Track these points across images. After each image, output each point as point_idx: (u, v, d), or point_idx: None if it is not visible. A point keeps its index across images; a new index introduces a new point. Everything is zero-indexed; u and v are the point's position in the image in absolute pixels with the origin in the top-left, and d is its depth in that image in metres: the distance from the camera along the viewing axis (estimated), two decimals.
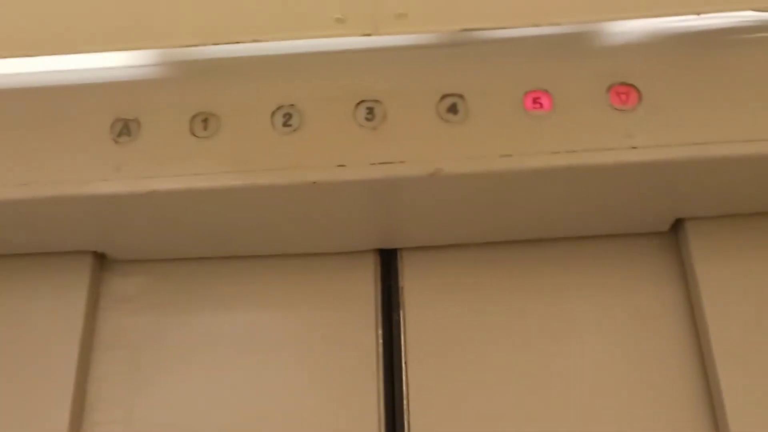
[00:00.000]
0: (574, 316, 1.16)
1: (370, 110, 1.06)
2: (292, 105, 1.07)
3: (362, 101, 1.06)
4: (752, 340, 1.08)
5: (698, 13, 1.03)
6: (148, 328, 1.22)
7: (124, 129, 1.08)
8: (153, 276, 1.25)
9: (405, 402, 1.13)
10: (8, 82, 1.12)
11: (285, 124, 1.06)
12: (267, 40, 1.05)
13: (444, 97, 1.06)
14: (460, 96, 1.05)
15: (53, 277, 1.22)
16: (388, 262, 1.24)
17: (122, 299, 1.25)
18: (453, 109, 1.05)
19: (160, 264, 1.25)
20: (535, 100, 1.05)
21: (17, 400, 1.15)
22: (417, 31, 1.05)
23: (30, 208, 1.07)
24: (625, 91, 1.04)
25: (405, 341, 1.17)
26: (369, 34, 1.02)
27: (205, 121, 1.07)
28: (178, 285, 1.25)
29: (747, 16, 1.05)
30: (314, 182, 1.03)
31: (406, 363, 1.16)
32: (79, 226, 1.15)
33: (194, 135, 1.06)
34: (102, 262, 1.25)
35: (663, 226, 1.20)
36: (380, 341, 1.17)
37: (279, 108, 1.07)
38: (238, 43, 1.05)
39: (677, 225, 1.18)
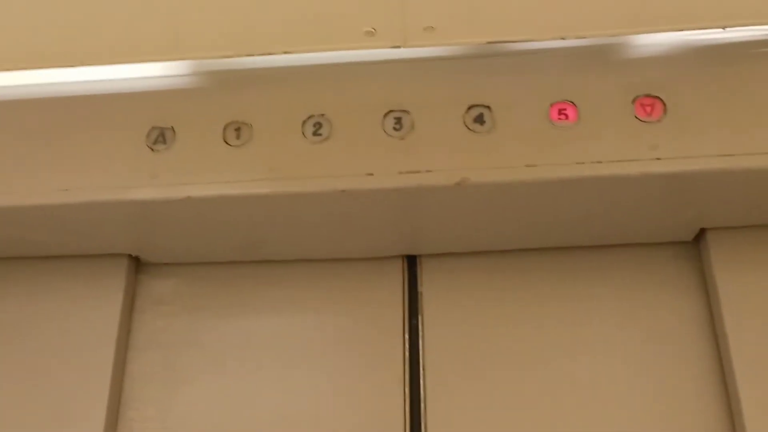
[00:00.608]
0: (593, 324, 1.18)
1: (398, 120, 1.09)
2: (323, 115, 1.10)
3: (390, 111, 1.09)
4: None
5: (724, 27, 1.04)
6: (182, 330, 1.26)
7: (160, 137, 1.12)
8: (186, 279, 1.29)
9: (422, 405, 1.16)
10: (49, 91, 1.17)
11: (315, 134, 1.09)
12: (298, 52, 1.09)
13: (471, 107, 1.08)
14: (487, 107, 1.08)
15: (91, 278, 1.26)
16: (412, 268, 1.26)
17: (156, 301, 1.29)
18: (479, 119, 1.07)
19: (194, 267, 1.29)
20: (561, 112, 1.06)
21: (56, 396, 1.19)
22: (445, 43, 1.07)
23: (69, 212, 1.12)
24: (650, 103, 1.06)
25: (423, 346, 1.20)
26: (398, 47, 1.06)
27: (238, 129, 1.11)
28: (210, 288, 1.28)
29: None
30: (343, 190, 1.06)
31: (423, 367, 1.18)
32: (116, 230, 1.19)
33: (227, 143, 1.10)
34: (137, 265, 1.30)
35: (687, 236, 1.20)
36: (407, 345, 1.20)
37: (309, 117, 1.10)
38: (270, 54, 1.09)
39: (701, 235, 1.19)
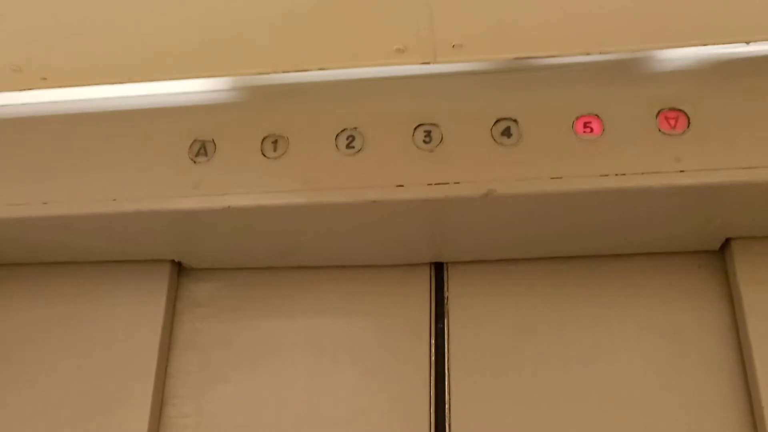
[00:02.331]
0: (618, 331, 1.20)
1: (428, 133, 1.13)
2: (355, 128, 1.15)
3: (420, 125, 1.13)
4: None
5: (747, 42, 1.06)
6: (219, 331, 1.32)
7: (202, 149, 1.17)
8: (225, 283, 1.35)
9: (447, 407, 1.20)
10: (98, 106, 1.24)
11: (348, 146, 1.14)
12: (333, 68, 1.14)
13: (498, 121, 1.12)
14: (514, 120, 1.11)
15: (135, 282, 1.33)
16: (439, 274, 1.31)
17: (197, 304, 1.35)
18: (507, 132, 1.11)
19: (232, 272, 1.35)
20: (586, 125, 1.09)
21: (103, 394, 1.26)
22: (473, 59, 1.11)
23: (117, 221, 1.18)
24: (674, 117, 1.08)
25: (449, 350, 1.24)
26: (428, 63, 1.09)
27: (275, 142, 1.16)
28: (247, 292, 1.34)
29: None
30: (374, 201, 1.10)
31: (449, 370, 1.22)
32: (160, 237, 1.26)
33: (265, 155, 1.15)
34: (179, 269, 1.36)
35: (713, 245, 1.22)
36: (433, 349, 1.24)
37: (343, 131, 1.15)
38: (306, 70, 1.14)
39: (726, 244, 1.21)
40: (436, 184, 1.09)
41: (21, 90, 1.18)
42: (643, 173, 1.06)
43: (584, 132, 1.09)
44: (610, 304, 1.23)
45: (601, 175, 1.06)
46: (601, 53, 1.09)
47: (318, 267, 1.33)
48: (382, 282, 1.30)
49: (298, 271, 1.33)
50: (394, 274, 1.30)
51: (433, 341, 1.25)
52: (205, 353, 1.31)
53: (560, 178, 1.07)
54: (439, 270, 1.31)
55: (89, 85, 1.19)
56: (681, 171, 1.05)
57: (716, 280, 1.22)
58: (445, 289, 1.29)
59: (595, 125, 1.09)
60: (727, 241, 1.20)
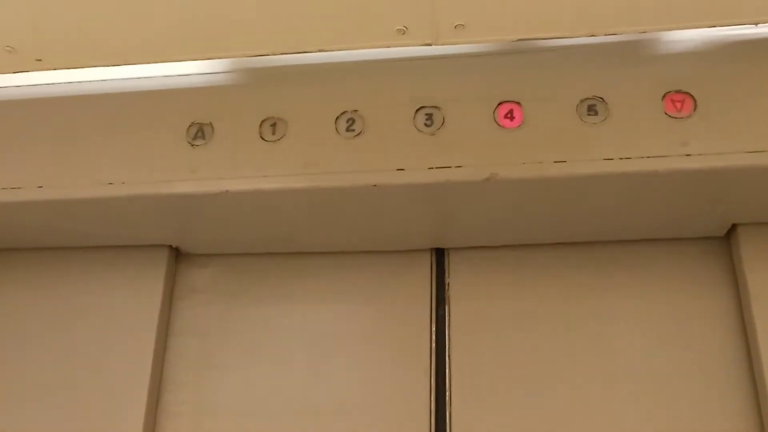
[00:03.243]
0: (621, 317, 1.19)
1: (429, 116, 1.11)
2: (356, 111, 1.13)
3: (422, 107, 1.11)
4: None
5: (756, 23, 1.03)
6: (217, 317, 1.31)
7: (200, 133, 1.16)
8: (223, 269, 1.34)
9: (448, 393, 1.19)
10: (93, 88, 1.22)
11: (348, 129, 1.12)
12: (332, 50, 1.11)
13: (501, 103, 1.09)
14: (517, 103, 1.09)
15: (133, 268, 1.32)
16: (440, 260, 1.29)
17: (195, 290, 1.34)
18: (510, 115, 1.09)
19: (231, 258, 1.34)
20: (590, 108, 1.07)
21: (100, 380, 1.25)
22: (475, 41, 1.08)
23: (113, 205, 1.17)
24: (680, 99, 1.06)
25: (449, 336, 1.22)
26: (429, 44, 1.07)
27: (274, 125, 1.14)
28: (246, 278, 1.33)
29: None
30: (374, 185, 1.08)
31: (449, 356, 1.21)
32: (158, 222, 1.24)
33: (263, 139, 1.13)
34: (177, 255, 1.35)
35: (719, 231, 1.21)
36: (433, 335, 1.23)
37: (343, 113, 1.13)
38: (305, 52, 1.12)
39: (732, 230, 1.19)
40: (437, 167, 1.08)
41: (15, 72, 1.16)
42: (648, 157, 1.04)
43: (589, 115, 1.07)
44: (615, 290, 1.22)
45: (606, 159, 1.04)
46: (606, 35, 1.06)
47: (318, 253, 1.31)
48: (382, 268, 1.29)
49: (297, 257, 1.32)
50: (394, 260, 1.29)
51: (433, 328, 1.24)
52: (203, 339, 1.30)
53: (564, 161, 1.05)
54: (440, 256, 1.29)
55: (85, 66, 1.17)
56: (687, 155, 1.03)
57: (722, 266, 1.20)
58: (446, 275, 1.28)
59: (599, 108, 1.07)
60: (733, 227, 1.18)
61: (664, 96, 1.06)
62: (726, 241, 1.21)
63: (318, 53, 1.12)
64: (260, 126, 1.14)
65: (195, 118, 1.16)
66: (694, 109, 1.05)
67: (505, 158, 1.06)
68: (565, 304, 1.21)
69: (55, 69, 1.17)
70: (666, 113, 1.05)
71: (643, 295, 1.20)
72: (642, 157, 1.04)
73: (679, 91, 1.06)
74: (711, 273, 1.20)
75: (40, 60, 1.14)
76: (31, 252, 1.35)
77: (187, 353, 1.29)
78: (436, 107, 1.11)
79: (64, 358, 1.27)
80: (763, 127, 1.03)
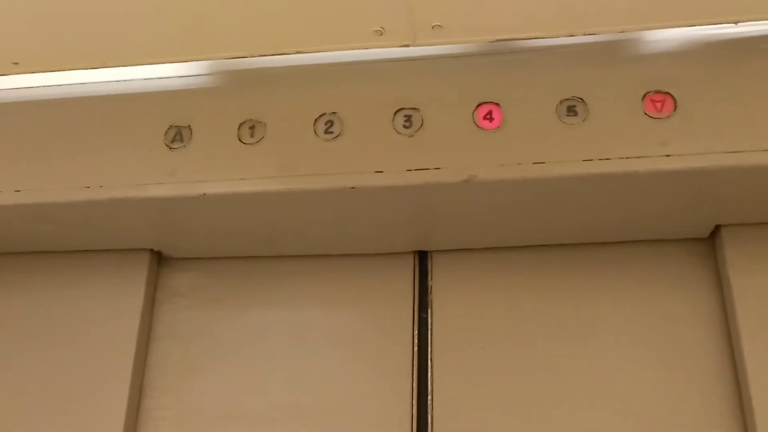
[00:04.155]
0: (605, 320, 1.18)
1: (408, 118, 1.10)
2: (334, 113, 1.12)
3: (401, 109, 1.10)
4: None
5: (736, 22, 1.02)
6: (199, 321, 1.30)
7: (178, 136, 1.15)
8: (205, 273, 1.33)
9: (430, 396, 1.17)
10: (70, 91, 1.21)
11: (327, 131, 1.11)
12: (310, 51, 1.11)
13: (480, 105, 1.09)
14: (496, 104, 1.08)
15: (114, 272, 1.31)
16: (423, 263, 1.28)
17: (176, 294, 1.33)
18: (489, 116, 1.08)
19: (212, 262, 1.33)
20: (570, 108, 1.06)
21: (80, 385, 1.24)
22: (453, 41, 1.08)
23: (91, 209, 1.16)
24: (660, 99, 1.05)
25: (432, 338, 1.21)
26: (407, 45, 1.07)
27: (252, 128, 1.13)
28: (228, 281, 1.32)
29: None
30: (353, 187, 1.08)
31: (431, 359, 1.20)
32: (137, 226, 1.23)
33: (242, 141, 1.13)
34: (159, 259, 1.34)
35: (703, 233, 1.19)
36: (416, 340, 1.22)
37: (321, 116, 1.12)
38: (283, 54, 1.11)
39: (716, 231, 1.18)
40: (416, 169, 1.07)
41: None
42: (628, 158, 1.03)
43: (568, 115, 1.06)
44: (598, 292, 1.20)
45: (585, 160, 1.03)
46: (585, 34, 1.06)
47: (299, 256, 1.30)
48: (364, 271, 1.28)
49: (279, 260, 1.31)
50: (377, 263, 1.28)
51: (416, 331, 1.23)
52: (185, 344, 1.29)
53: (543, 163, 1.04)
54: (423, 259, 1.28)
55: (63, 70, 1.17)
56: (667, 155, 1.02)
57: (706, 267, 1.19)
58: (429, 278, 1.27)
59: (579, 108, 1.06)
60: (717, 228, 1.17)
61: (644, 96, 1.05)
62: (710, 242, 1.20)
63: (296, 55, 1.12)
64: (239, 128, 1.13)
65: (173, 120, 1.16)
66: (675, 109, 1.04)
67: (484, 160, 1.05)
68: (548, 306, 1.20)
69: (32, 72, 1.17)
70: (646, 113, 1.04)
71: (626, 296, 1.19)
72: (622, 158, 1.03)
73: (659, 91, 1.05)
74: (695, 274, 1.19)
75: (17, 63, 1.14)
76: (10, 256, 1.34)
77: (168, 358, 1.28)
78: (414, 109, 1.10)
79: (44, 362, 1.26)
80: (744, 127, 1.02)
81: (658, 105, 1.05)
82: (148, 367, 1.27)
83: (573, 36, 1.06)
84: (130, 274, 1.30)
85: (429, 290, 1.25)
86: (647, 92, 1.05)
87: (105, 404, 1.22)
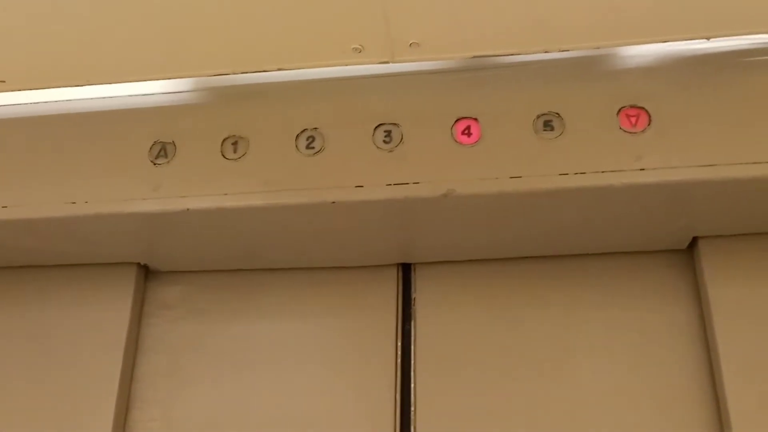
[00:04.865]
0: (585, 331, 1.19)
1: (388, 133, 1.12)
2: (316, 128, 1.14)
3: (380, 125, 1.12)
4: (762, 360, 1.09)
5: (708, 38, 1.04)
6: (186, 334, 1.31)
7: (162, 151, 1.17)
8: (192, 286, 1.34)
9: (413, 408, 1.19)
10: (56, 108, 1.23)
11: (308, 147, 1.13)
12: (291, 68, 1.13)
13: (458, 120, 1.10)
14: (474, 119, 1.10)
15: (101, 285, 1.32)
16: (407, 275, 1.29)
17: (163, 306, 1.34)
18: (467, 131, 1.10)
19: (199, 275, 1.34)
20: (546, 123, 1.08)
21: (67, 398, 1.25)
22: (431, 58, 1.10)
23: (77, 224, 1.17)
24: (635, 114, 1.07)
25: (415, 350, 1.23)
26: (386, 62, 1.08)
27: (235, 143, 1.15)
28: (214, 294, 1.33)
29: (755, 40, 1.06)
30: (333, 202, 1.09)
31: (415, 371, 1.21)
32: (123, 240, 1.25)
33: (225, 157, 1.14)
34: (146, 272, 1.35)
35: (681, 244, 1.21)
36: (399, 352, 1.23)
37: (303, 131, 1.14)
38: (265, 71, 1.13)
39: (694, 243, 1.19)
40: (395, 184, 1.08)
41: None
42: (603, 172, 1.04)
43: (544, 130, 1.08)
44: (578, 303, 1.22)
45: (561, 174, 1.05)
46: (560, 51, 1.08)
47: (284, 269, 1.31)
48: (349, 283, 1.29)
49: (264, 273, 1.32)
50: (361, 275, 1.29)
51: (399, 343, 1.24)
52: (173, 356, 1.30)
53: (520, 177, 1.06)
54: (406, 271, 1.30)
55: (48, 87, 1.19)
56: (641, 169, 1.04)
57: (684, 278, 1.21)
58: (413, 290, 1.28)
59: (555, 123, 1.08)
60: (695, 239, 1.19)
61: (618, 111, 1.07)
62: (688, 253, 1.21)
63: (278, 72, 1.14)
64: (222, 144, 1.15)
65: (157, 136, 1.17)
66: (649, 123, 1.06)
67: (462, 174, 1.07)
68: (529, 316, 1.22)
69: (18, 90, 1.18)
70: (621, 128, 1.06)
71: (607, 307, 1.20)
72: (597, 172, 1.04)
73: (633, 106, 1.07)
74: (673, 285, 1.20)
75: (4, 81, 1.15)
76: None
77: (156, 370, 1.30)
78: (394, 124, 1.12)
79: (31, 375, 1.27)
80: (717, 141, 1.03)
81: (633, 119, 1.07)
82: (136, 379, 1.28)
83: (548, 52, 1.08)
84: (117, 288, 1.32)
85: (412, 302, 1.27)
86: (622, 107, 1.07)
87: (92, 416, 1.23)
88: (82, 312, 1.31)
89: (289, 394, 1.24)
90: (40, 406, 1.25)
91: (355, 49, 1.07)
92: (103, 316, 1.30)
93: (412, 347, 1.23)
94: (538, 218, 1.13)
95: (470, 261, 1.26)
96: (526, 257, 1.24)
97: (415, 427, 1.17)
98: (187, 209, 1.13)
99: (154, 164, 1.16)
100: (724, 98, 1.05)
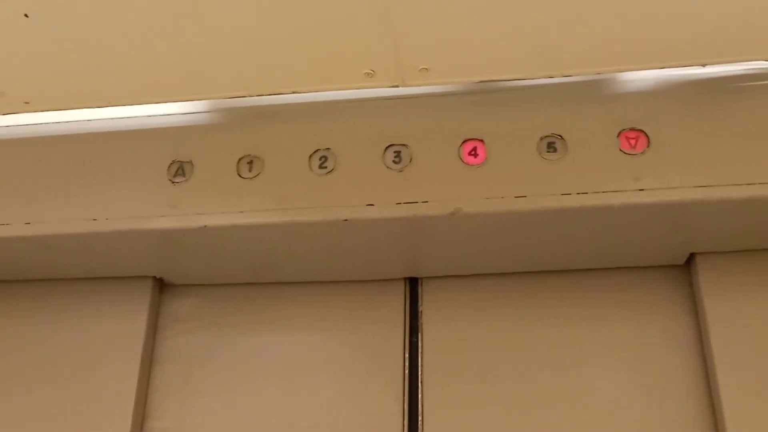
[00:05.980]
0: (587, 344, 1.24)
1: (398, 154, 1.16)
2: (328, 149, 1.18)
3: (390, 145, 1.17)
4: (758, 374, 1.13)
5: (704, 64, 1.09)
6: (200, 345, 1.36)
7: (180, 170, 1.21)
8: (206, 299, 1.39)
9: (420, 419, 1.23)
10: (78, 128, 1.28)
11: (321, 166, 1.17)
12: (306, 91, 1.17)
13: (465, 141, 1.15)
14: (480, 140, 1.15)
15: (118, 298, 1.37)
16: (414, 289, 1.34)
17: (178, 319, 1.38)
18: (473, 153, 1.15)
19: (212, 288, 1.39)
20: (550, 145, 1.13)
21: (86, 408, 1.29)
22: (439, 82, 1.15)
23: (97, 240, 1.22)
24: (634, 137, 1.11)
25: (422, 362, 1.27)
26: (396, 86, 1.13)
27: (251, 163, 1.20)
28: (226, 307, 1.38)
29: (749, 66, 1.11)
30: (345, 220, 1.14)
31: (422, 382, 1.26)
32: (141, 255, 1.29)
33: (240, 176, 1.19)
34: (161, 286, 1.40)
35: (678, 260, 1.26)
36: (407, 364, 1.27)
37: (316, 151, 1.18)
38: (280, 93, 1.18)
39: (691, 259, 1.24)
40: (405, 203, 1.13)
41: (4, 114, 1.22)
42: (604, 192, 1.09)
43: (548, 152, 1.12)
44: (580, 317, 1.26)
45: (564, 194, 1.09)
46: (563, 76, 1.12)
47: (295, 283, 1.36)
48: (357, 297, 1.34)
49: (276, 286, 1.36)
50: (369, 289, 1.34)
51: (407, 355, 1.28)
52: (187, 368, 1.35)
53: (524, 197, 1.10)
54: (413, 285, 1.34)
55: (70, 108, 1.23)
56: (640, 189, 1.08)
57: (681, 293, 1.25)
58: (420, 303, 1.32)
59: (558, 145, 1.12)
60: (692, 256, 1.23)
61: (619, 133, 1.12)
62: (686, 269, 1.26)
63: (292, 95, 1.18)
64: (237, 163, 1.20)
65: (175, 156, 1.22)
66: (648, 145, 1.10)
67: (469, 194, 1.12)
68: (531, 330, 1.26)
69: (42, 111, 1.23)
70: (621, 150, 1.11)
71: (607, 321, 1.25)
72: (597, 192, 1.09)
73: (633, 129, 1.12)
74: (671, 300, 1.25)
75: (28, 103, 1.20)
76: (19, 284, 1.40)
77: (170, 381, 1.34)
78: (404, 145, 1.16)
79: (49, 387, 1.31)
80: (714, 163, 1.08)
81: (633, 142, 1.11)
82: (151, 390, 1.33)
83: (552, 77, 1.13)
84: (133, 301, 1.36)
85: (419, 315, 1.31)
86: (622, 130, 1.12)
87: (110, 426, 1.27)
88: (100, 324, 1.36)
89: (298, 404, 1.28)
90: (58, 416, 1.29)
91: (367, 73, 1.11)
92: (120, 328, 1.35)
93: (419, 359, 1.27)
94: (541, 235, 1.17)
95: (476, 275, 1.31)
96: (530, 272, 1.29)
97: None
98: (204, 226, 1.17)
99: (172, 183, 1.20)
100: (720, 122, 1.10)
